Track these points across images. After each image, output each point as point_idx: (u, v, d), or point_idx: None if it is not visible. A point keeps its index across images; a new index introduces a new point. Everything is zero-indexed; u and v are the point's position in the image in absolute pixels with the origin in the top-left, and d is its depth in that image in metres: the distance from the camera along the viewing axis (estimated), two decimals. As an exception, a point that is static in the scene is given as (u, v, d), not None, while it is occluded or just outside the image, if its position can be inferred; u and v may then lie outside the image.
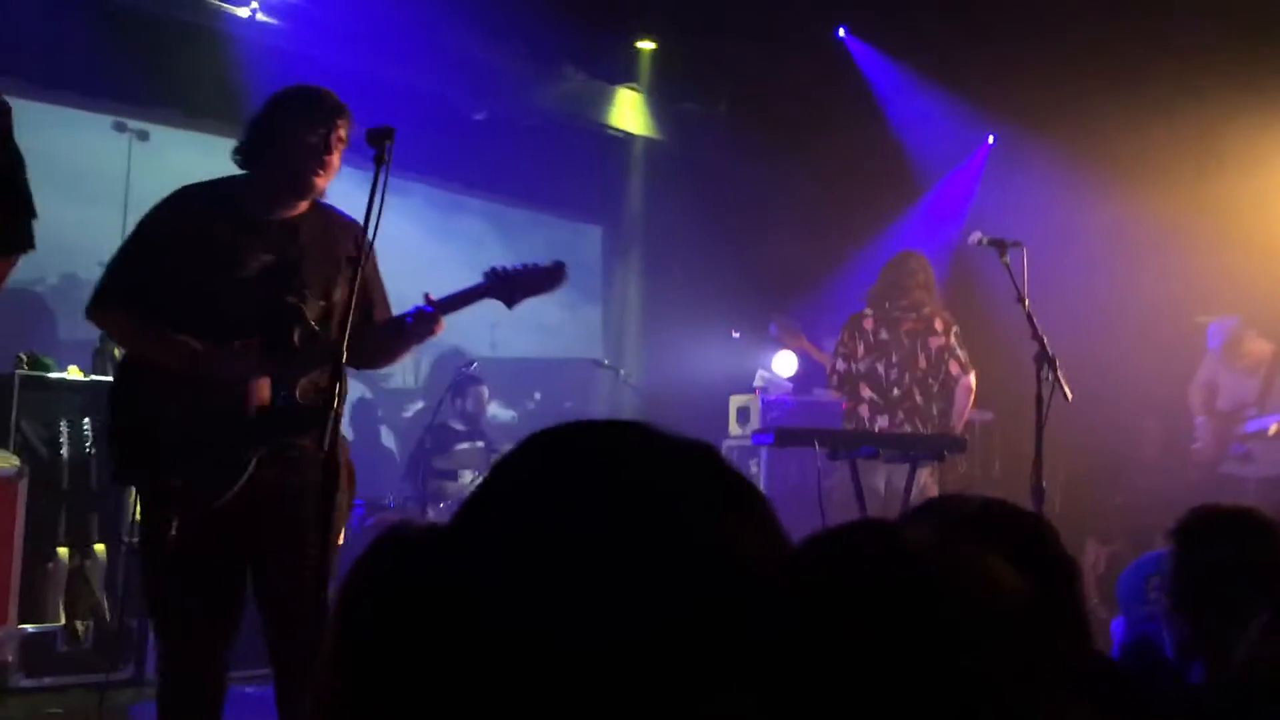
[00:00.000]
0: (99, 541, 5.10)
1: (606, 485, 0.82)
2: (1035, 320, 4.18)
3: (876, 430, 5.61)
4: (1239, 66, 6.62)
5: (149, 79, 6.70)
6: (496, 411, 8.16)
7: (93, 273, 6.87)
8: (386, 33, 6.76)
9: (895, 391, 5.68)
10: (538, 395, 8.75)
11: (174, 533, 2.87)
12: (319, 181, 3.03)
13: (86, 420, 5.14)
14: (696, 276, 8.32)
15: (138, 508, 3.19)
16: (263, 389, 2.96)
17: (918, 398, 5.70)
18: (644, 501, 0.81)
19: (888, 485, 5.33)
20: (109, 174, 6.85)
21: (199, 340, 2.94)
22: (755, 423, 7.61)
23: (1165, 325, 6.96)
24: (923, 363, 5.70)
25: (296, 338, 3.00)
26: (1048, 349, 4.11)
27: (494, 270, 3.18)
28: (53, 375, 5.20)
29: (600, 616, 0.78)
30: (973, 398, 5.79)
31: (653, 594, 0.78)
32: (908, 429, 5.61)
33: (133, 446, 2.99)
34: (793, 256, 8.00)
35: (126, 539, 5.05)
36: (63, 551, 5.00)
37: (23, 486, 4.75)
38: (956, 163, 8.39)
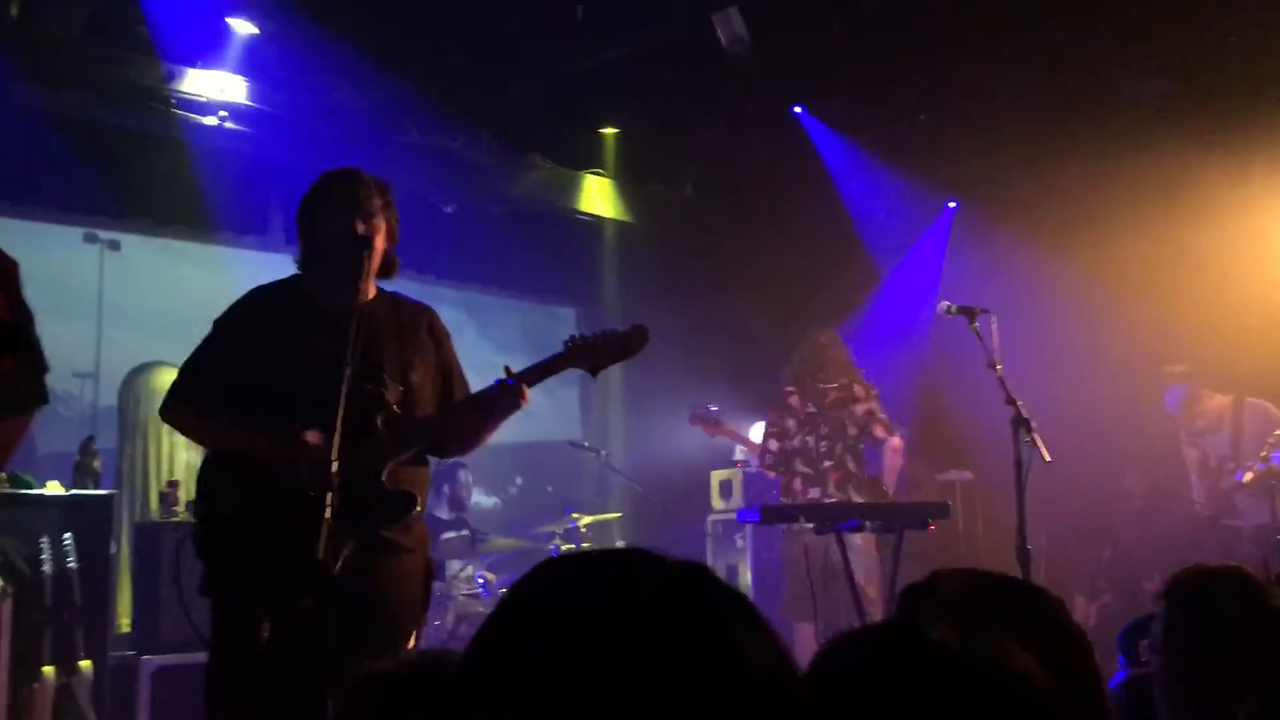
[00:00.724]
0: (85, 658, 5.03)
1: (624, 610, 0.86)
2: (1007, 385, 4.24)
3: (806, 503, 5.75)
4: (1193, 118, 6.81)
5: (119, 190, 6.76)
6: (479, 499, 8.12)
7: (69, 385, 6.95)
8: (352, 133, 6.86)
9: (826, 463, 5.87)
10: (519, 480, 8.74)
11: (264, 636, 2.78)
12: (366, 263, 2.99)
13: (68, 535, 5.09)
14: (672, 354, 8.36)
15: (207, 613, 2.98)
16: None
17: (850, 465, 5.89)
18: (657, 622, 0.85)
19: (806, 552, 5.34)
20: (81, 285, 6.86)
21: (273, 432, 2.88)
22: (738, 496, 7.63)
23: (1137, 376, 7.05)
24: (852, 430, 5.91)
25: (380, 422, 2.94)
26: (1022, 412, 4.16)
27: (573, 338, 3.12)
28: (32, 491, 5.17)
29: None
30: (900, 458, 5.98)
31: (673, 709, 0.81)
32: (838, 497, 5.77)
33: (219, 546, 2.90)
34: (765, 330, 8.07)
35: (112, 654, 4.98)
36: (48, 670, 4.91)
37: (6, 606, 4.69)
38: (919, 231, 8.52)
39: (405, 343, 3.07)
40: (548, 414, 8.87)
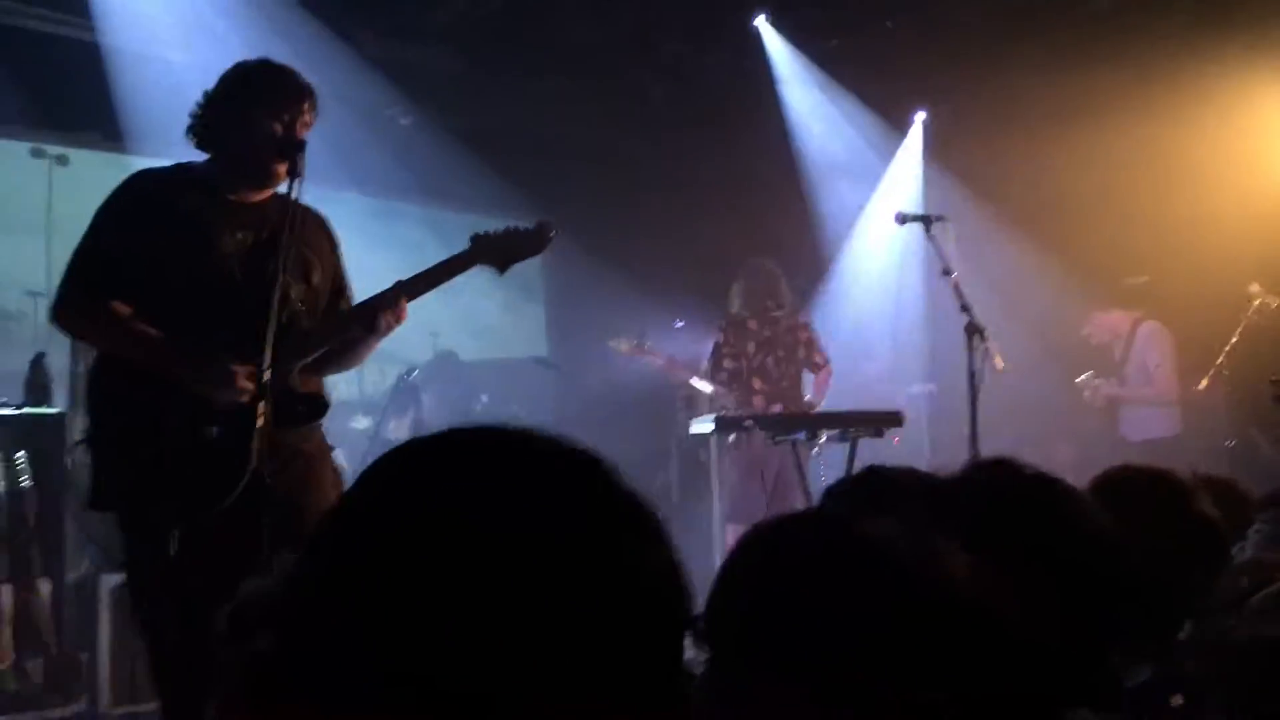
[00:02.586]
0: (42, 575, 5.00)
1: (484, 500, 0.76)
2: (962, 292, 4.22)
3: None
4: (1159, 20, 6.71)
5: (65, 103, 6.57)
6: (442, 418, 8.09)
7: (20, 303, 6.82)
8: (307, 42, 6.67)
9: (784, 383, 6.25)
10: (485, 398, 8.70)
11: (174, 545, 2.68)
12: (281, 170, 2.86)
13: (21, 453, 5.02)
14: (639, 270, 8.33)
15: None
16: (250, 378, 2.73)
17: (799, 386, 6.34)
18: (525, 518, 0.76)
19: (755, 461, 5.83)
20: (29, 201, 6.70)
21: (180, 335, 2.74)
22: (703, 410, 7.64)
23: (1098, 285, 7.06)
24: (801, 354, 6.34)
25: (285, 319, 2.81)
26: (976, 320, 4.15)
27: (478, 235, 3.04)
28: (-17, 410, 5.09)
29: (477, 651, 0.72)
30: (829, 384, 6.37)
31: (538, 619, 0.73)
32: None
33: (119, 463, 2.76)
34: (731, 246, 8.02)
35: (71, 572, 4.95)
36: (5, 588, 4.88)
37: (-41, 526, 4.64)
38: (880, 146, 8.43)
39: (306, 243, 2.96)
40: (514, 332, 8.82)
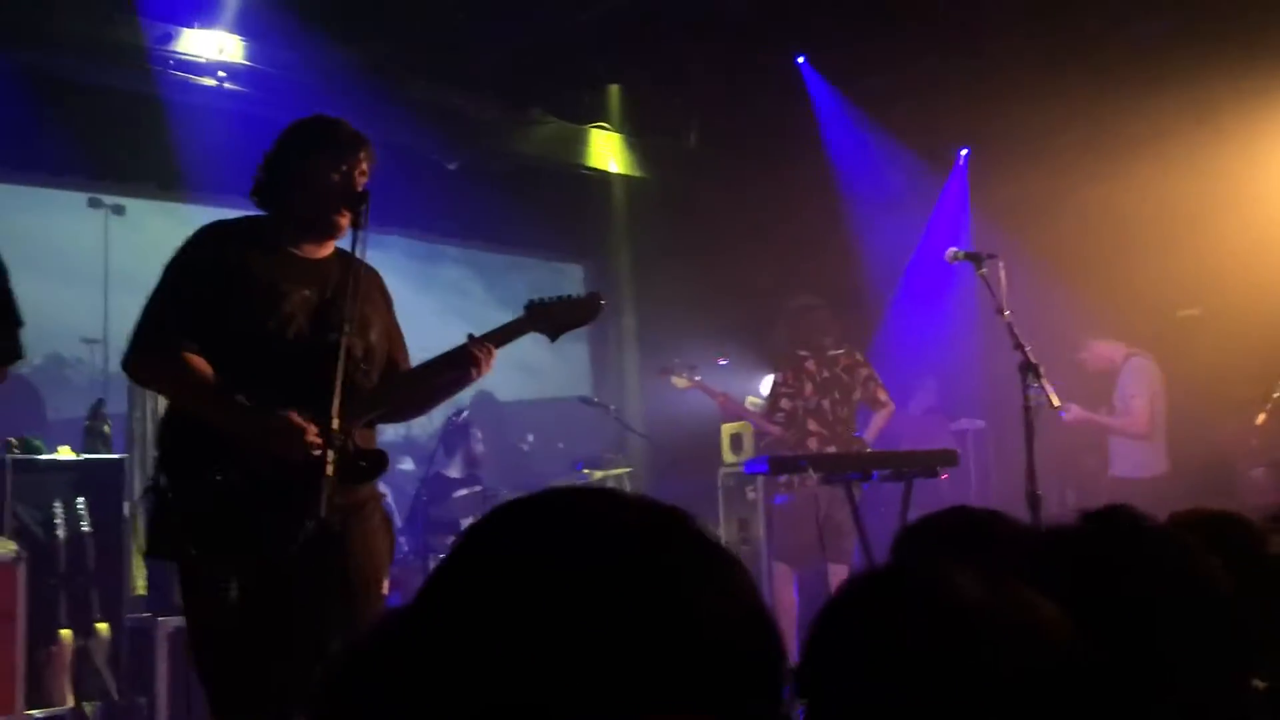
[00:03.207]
0: (101, 621, 5.07)
1: (576, 555, 0.81)
2: (1015, 330, 4.20)
3: None
4: (1201, 56, 6.68)
5: (121, 154, 6.71)
6: (492, 457, 8.13)
7: (77, 350, 6.95)
8: (353, 91, 6.79)
9: (839, 426, 6.22)
10: (531, 437, 8.72)
11: (233, 594, 2.71)
12: (343, 221, 2.91)
13: (81, 499, 5.12)
14: (682, 307, 8.35)
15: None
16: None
17: (853, 425, 6.30)
18: (613, 571, 0.80)
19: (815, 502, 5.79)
20: (86, 251, 6.83)
21: (245, 389, 2.76)
22: (749, 448, 7.63)
23: (1150, 319, 6.99)
24: (858, 394, 6.31)
25: (349, 375, 2.82)
26: (1030, 358, 4.13)
27: (533, 303, 3.12)
28: (43, 457, 5.18)
29: (571, 688, 0.76)
30: (887, 422, 6.37)
31: (625, 664, 0.77)
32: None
33: (180, 512, 2.78)
34: (772, 283, 8.04)
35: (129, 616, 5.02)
36: (65, 633, 4.96)
37: (21, 571, 4.71)
38: (923, 183, 8.42)
39: (364, 299, 2.97)
40: (558, 371, 8.86)
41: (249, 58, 6.65)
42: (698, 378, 6.77)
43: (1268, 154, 6.86)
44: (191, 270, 2.87)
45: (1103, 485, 6.43)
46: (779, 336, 6.45)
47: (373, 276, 3.10)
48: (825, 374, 6.26)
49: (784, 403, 6.29)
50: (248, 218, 3.01)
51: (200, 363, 2.83)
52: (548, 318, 3.12)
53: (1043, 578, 1.05)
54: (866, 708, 0.96)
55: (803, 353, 6.30)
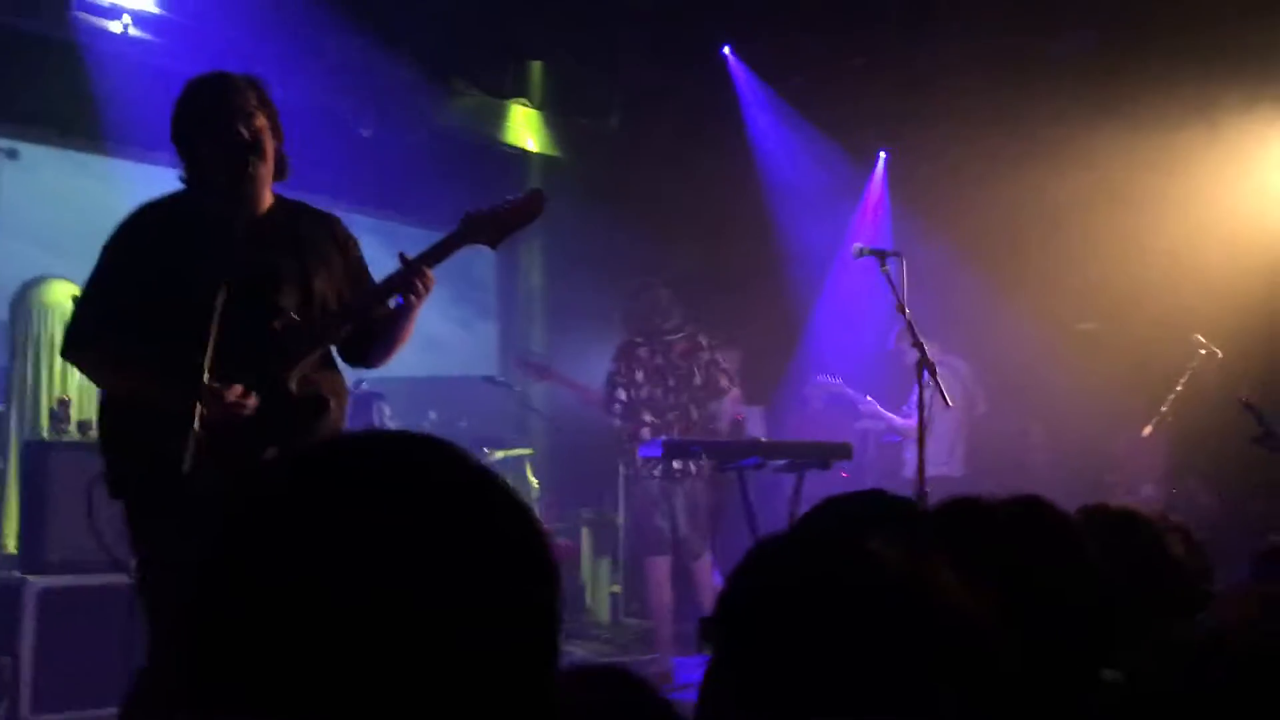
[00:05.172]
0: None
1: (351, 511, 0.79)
2: (915, 329, 4.26)
3: None
4: (1119, 69, 6.82)
5: (18, 97, 6.45)
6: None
7: (-25, 293, 6.65)
8: (266, 47, 6.60)
9: (671, 413, 6.01)
10: (433, 415, 8.61)
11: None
12: (257, 166, 2.86)
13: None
14: (595, 290, 8.30)
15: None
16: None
17: (693, 414, 6.05)
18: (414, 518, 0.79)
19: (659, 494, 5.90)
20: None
21: (182, 358, 2.74)
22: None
23: (1047, 330, 7.15)
24: (698, 379, 6.06)
25: (277, 329, 2.84)
26: (928, 355, 4.19)
27: (469, 213, 3.04)
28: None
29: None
30: (739, 407, 6.30)
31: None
32: None
33: (128, 473, 2.82)
34: (689, 271, 8.04)
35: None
36: (-74, 591, 4.74)
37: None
38: (839, 183, 8.50)
39: (305, 249, 2.94)
40: (464, 349, 8.76)
41: (157, 4, 6.43)
42: (551, 367, 6.73)
43: (1182, 171, 7.01)
44: (119, 255, 2.88)
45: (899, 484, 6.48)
46: (619, 322, 6.28)
47: (322, 221, 3.05)
48: (659, 361, 6.04)
49: (619, 393, 6.08)
50: (177, 192, 2.97)
51: (125, 353, 2.85)
52: (487, 225, 3.03)
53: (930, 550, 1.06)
54: (782, 658, 0.98)
55: (637, 339, 6.11)
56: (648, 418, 5.99)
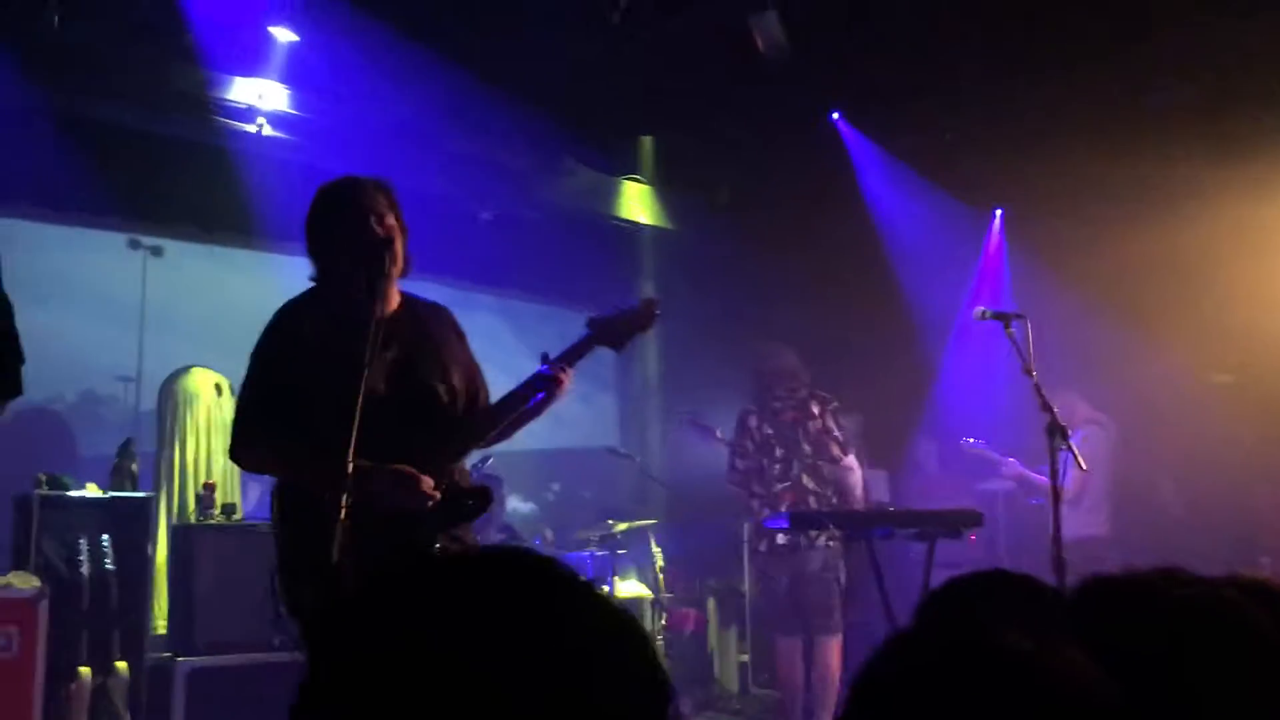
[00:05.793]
0: (121, 659, 5.07)
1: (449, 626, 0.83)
2: (1043, 391, 4.18)
3: None
4: (1221, 124, 6.66)
5: (162, 196, 6.83)
6: (516, 505, 8.12)
7: (111, 388, 7.04)
8: (389, 141, 6.89)
9: (779, 485, 5.81)
10: (556, 486, 8.72)
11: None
12: (390, 270, 2.99)
13: (106, 537, 5.15)
14: (708, 362, 8.34)
15: None
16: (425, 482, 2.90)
17: (807, 483, 5.81)
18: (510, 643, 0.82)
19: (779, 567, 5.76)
20: (124, 291, 6.94)
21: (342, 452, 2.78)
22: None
23: (1179, 383, 6.91)
24: (807, 449, 5.84)
25: (439, 425, 2.98)
26: (1057, 419, 4.10)
27: (594, 319, 3.22)
28: (71, 494, 5.23)
29: None
30: (858, 475, 5.95)
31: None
32: None
33: (303, 577, 2.88)
34: (801, 339, 8.02)
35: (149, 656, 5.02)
36: (84, 671, 4.96)
37: (43, 607, 4.75)
38: (954, 240, 8.41)
39: (440, 345, 3.08)
40: (585, 421, 8.86)
41: (290, 105, 6.77)
42: (715, 432, 6.62)
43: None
44: (270, 357, 3.01)
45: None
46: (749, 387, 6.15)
47: (443, 315, 3.19)
48: (767, 430, 5.89)
49: (736, 462, 5.97)
50: (314, 289, 3.08)
51: (286, 450, 2.96)
52: (610, 331, 3.21)
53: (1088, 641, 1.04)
54: None
55: (750, 408, 6.00)
56: (757, 489, 5.87)
